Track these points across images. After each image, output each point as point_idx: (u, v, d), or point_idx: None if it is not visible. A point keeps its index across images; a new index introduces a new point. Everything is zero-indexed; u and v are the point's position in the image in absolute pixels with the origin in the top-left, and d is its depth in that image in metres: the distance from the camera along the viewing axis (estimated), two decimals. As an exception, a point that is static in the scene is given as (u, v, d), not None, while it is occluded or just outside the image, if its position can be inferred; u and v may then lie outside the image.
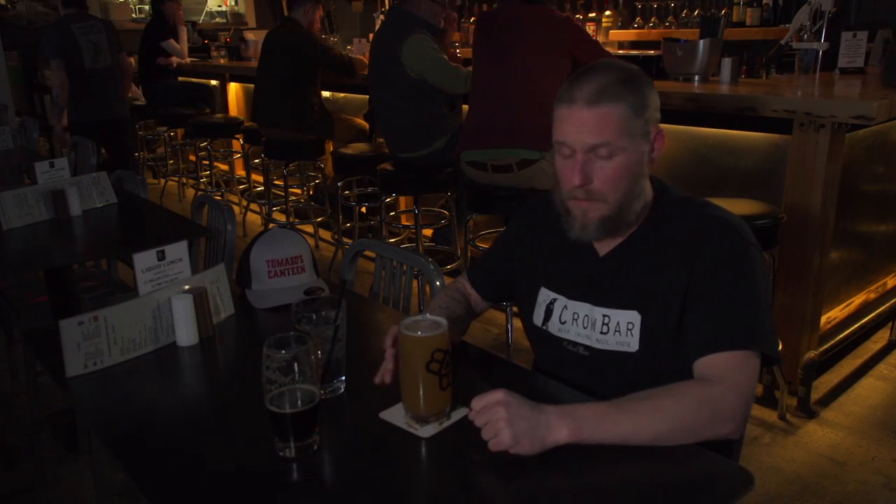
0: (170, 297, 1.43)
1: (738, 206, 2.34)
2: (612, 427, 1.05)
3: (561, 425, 1.04)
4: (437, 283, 1.69)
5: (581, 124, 1.22)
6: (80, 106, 4.48)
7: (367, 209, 4.48)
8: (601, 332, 1.29)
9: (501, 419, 1.03)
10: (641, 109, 1.24)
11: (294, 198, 4.92)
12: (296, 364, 1.05)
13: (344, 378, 1.25)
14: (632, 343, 1.26)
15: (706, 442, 1.09)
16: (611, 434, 1.05)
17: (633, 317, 1.26)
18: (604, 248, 1.33)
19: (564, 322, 1.34)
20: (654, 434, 1.05)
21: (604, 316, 1.29)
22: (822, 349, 2.68)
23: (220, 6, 8.20)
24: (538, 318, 1.39)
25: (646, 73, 1.30)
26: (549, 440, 1.03)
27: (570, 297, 1.34)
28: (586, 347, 1.31)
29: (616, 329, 1.28)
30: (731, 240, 1.23)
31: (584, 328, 1.31)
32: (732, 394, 1.12)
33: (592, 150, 1.22)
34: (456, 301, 1.49)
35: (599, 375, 1.30)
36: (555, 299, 1.36)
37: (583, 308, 1.32)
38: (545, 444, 1.03)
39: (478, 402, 1.06)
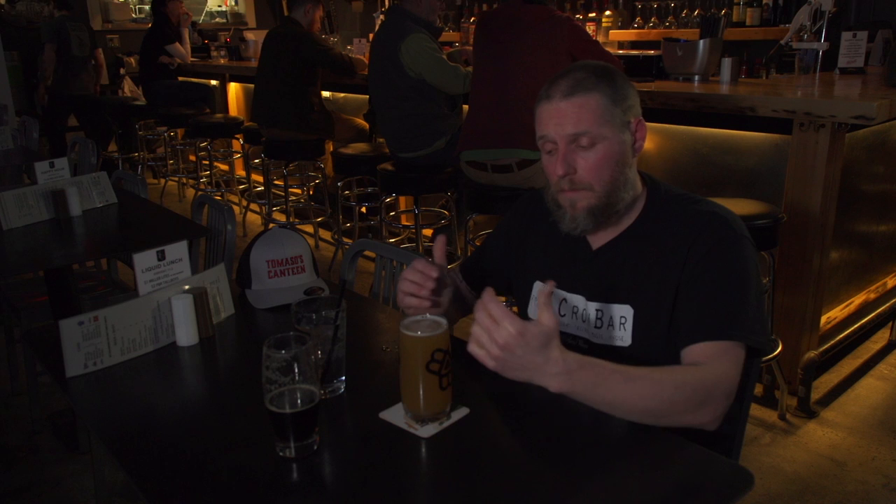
0: (170, 297, 1.43)
1: (738, 206, 2.34)
2: (605, 394, 1.05)
3: (555, 377, 1.03)
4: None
5: (560, 116, 1.26)
6: (66, 82, 6.13)
7: (367, 209, 4.48)
8: (595, 327, 1.30)
9: (494, 353, 1.03)
10: (618, 99, 1.27)
11: (294, 198, 4.92)
12: (296, 364, 1.05)
13: (344, 378, 1.25)
14: (625, 337, 1.27)
15: (705, 441, 1.09)
16: (599, 400, 1.05)
17: (626, 311, 1.27)
18: (597, 242, 1.34)
19: (563, 315, 1.35)
20: (640, 412, 1.06)
21: (597, 310, 1.30)
22: (822, 349, 2.68)
23: (220, 6, 8.21)
24: (533, 313, 1.39)
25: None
26: (536, 383, 1.04)
27: (566, 290, 1.35)
28: (585, 341, 1.32)
29: (609, 323, 1.28)
30: (724, 233, 1.23)
31: (583, 322, 1.32)
32: (717, 380, 1.12)
33: (574, 141, 1.25)
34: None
35: None
36: (550, 293, 1.36)
37: (579, 302, 1.32)
38: (531, 382, 1.04)
39: (491, 319, 1.03)
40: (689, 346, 1.18)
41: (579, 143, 1.25)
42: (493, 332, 1.02)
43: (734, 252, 1.22)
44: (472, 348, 1.04)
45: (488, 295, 1.05)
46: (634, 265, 1.28)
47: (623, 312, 1.27)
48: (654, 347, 1.25)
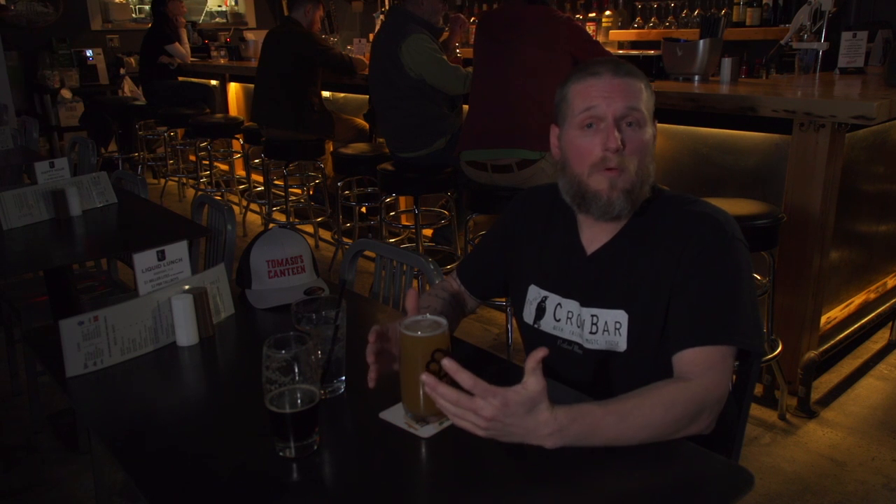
0: (170, 297, 1.43)
1: (738, 206, 2.34)
2: (601, 438, 1.04)
3: (548, 438, 1.01)
4: (437, 282, 1.69)
5: (612, 90, 1.24)
6: None
7: (367, 209, 4.48)
8: (590, 332, 1.29)
9: (483, 425, 0.99)
10: (652, 92, 1.29)
11: (294, 198, 4.92)
12: (296, 364, 1.05)
13: (344, 378, 1.25)
14: (620, 343, 1.26)
15: (705, 441, 1.09)
16: (596, 443, 1.04)
17: (621, 316, 1.26)
18: (591, 245, 1.32)
19: (559, 320, 1.34)
20: (638, 441, 1.06)
21: (592, 316, 1.29)
22: (822, 349, 2.68)
23: (220, 6, 8.21)
24: (529, 317, 1.39)
25: (646, 73, 1.31)
26: (531, 443, 1.02)
27: (561, 295, 1.34)
28: (580, 346, 1.31)
29: (605, 329, 1.27)
30: (716, 235, 1.22)
31: (578, 327, 1.31)
32: (708, 393, 1.12)
33: (623, 118, 1.24)
34: (440, 299, 1.48)
35: (593, 374, 1.30)
36: (546, 297, 1.36)
37: (573, 307, 1.32)
38: (522, 443, 1.02)
39: (469, 399, 0.99)
40: (679, 351, 1.17)
41: (627, 121, 1.24)
42: (478, 410, 0.98)
43: (725, 254, 1.21)
44: (458, 422, 1.01)
45: (456, 367, 1.00)
46: (628, 269, 1.27)
47: (617, 318, 1.26)
48: (651, 352, 1.24)
